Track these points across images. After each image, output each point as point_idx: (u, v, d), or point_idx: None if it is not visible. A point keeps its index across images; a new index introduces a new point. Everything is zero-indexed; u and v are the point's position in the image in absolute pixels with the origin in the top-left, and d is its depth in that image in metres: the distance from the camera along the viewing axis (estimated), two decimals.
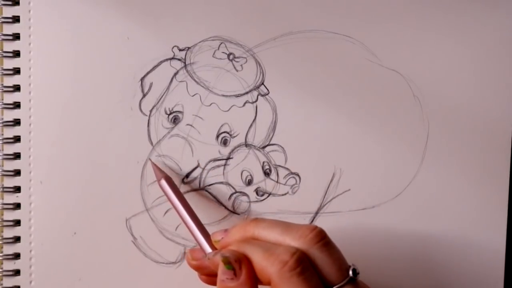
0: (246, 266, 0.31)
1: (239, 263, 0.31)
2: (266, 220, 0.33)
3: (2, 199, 0.39)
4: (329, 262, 0.31)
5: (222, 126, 0.40)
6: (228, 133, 0.40)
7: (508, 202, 0.41)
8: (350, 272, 0.31)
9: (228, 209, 0.40)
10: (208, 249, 0.35)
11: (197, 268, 0.34)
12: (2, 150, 0.39)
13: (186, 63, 0.40)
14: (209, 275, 0.34)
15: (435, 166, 0.41)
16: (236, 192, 0.40)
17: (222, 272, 0.31)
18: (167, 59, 0.39)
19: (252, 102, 0.40)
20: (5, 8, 0.39)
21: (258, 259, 0.31)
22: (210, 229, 0.39)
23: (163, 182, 0.37)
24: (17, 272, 0.39)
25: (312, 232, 0.31)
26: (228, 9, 0.40)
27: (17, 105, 0.39)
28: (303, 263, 0.30)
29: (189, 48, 0.40)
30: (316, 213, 0.40)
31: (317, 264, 0.31)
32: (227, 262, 0.31)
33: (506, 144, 0.41)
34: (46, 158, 0.39)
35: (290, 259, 0.30)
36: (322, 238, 0.31)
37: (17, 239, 0.39)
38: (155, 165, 0.39)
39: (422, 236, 0.41)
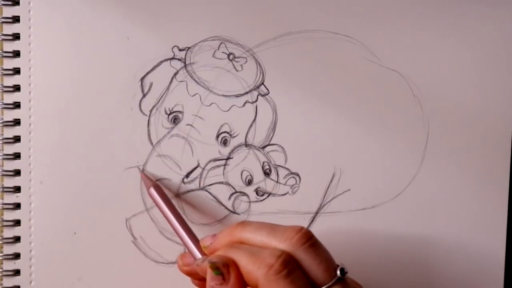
0: (234, 270, 0.31)
1: (227, 267, 0.31)
2: (252, 223, 0.33)
3: (2, 199, 0.39)
4: (316, 263, 0.31)
5: (222, 126, 0.40)
6: (228, 133, 0.40)
7: (508, 202, 0.41)
8: (338, 272, 0.31)
9: (228, 209, 0.40)
10: (198, 255, 0.35)
11: (189, 274, 0.35)
12: (2, 150, 0.39)
13: (186, 63, 0.40)
14: (202, 280, 0.33)
15: (435, 166, 0.41)
16: (236, 192, 0.40)
17: (211, 278, 0.31)
18: (167, 59, 0.39)
19: (252, 102, 0.40)
20: (5, 8, 0.38)
21: (245, 263, 0.31)
22: (210, 230, 0.39)
23: (152, 191, 0.38)
24: (17, 272, 0.39)
25: (298, 233, 0.31)
26: (228, 9, 0.40)
27: (17, 105, 0.39)
28: (289, 265, 0.30)
29: (189, 48, 0.40)
30: (316, 213, 0.40)
31: (304, 266, 0.30)
32: (215, 267, 0.31)
33: (506, 144, 0.41)
34: (46, 158, 0.39)
35: (275, 262, 0.30)
36: (308, 239, 0.31)
37: (17, 239, 0.39)
38: (143, 174, 0.39)
39: (422, 236, 0.41)
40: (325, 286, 0.30)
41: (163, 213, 0.37)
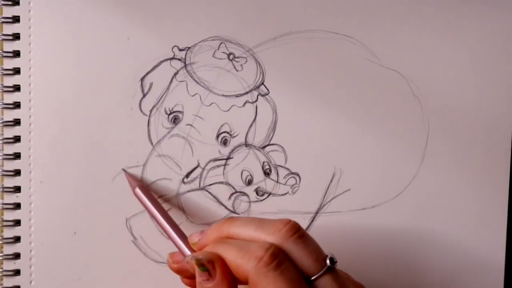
0: (220, 265, 0.31)
1: (212, 264, 0.31)
2: (240, 219, 0.33)
3: (2, 199, 0.39)
4: (305, 254, 0.31)
5: (222, 126, 0.40)
6: (228, 133, 0.40)
7: (508, 202, 0.41)
8: (328, 262, 0.31)
9: (228, 209, 0.40)
10: (187, 251, 0.35)
11: (179, 271, 0.35)
12: (2, 150, 0.39)
13: (186, 63, 0.40)
14: (192, 278, 0.33)
15: (435, 166, 0.41)
16: (236, 192, 0.40)
17: (198, 275, 0.31)
18: (167, 59, 0.39)
19: (252, 102, 0.40)
20: (5, 8, 0.38)
21: (233, 257, 0.31)
22: None
23: (138, 190, 0.38)
24: (17, 272, 0.39)
25: (285, 226, 0.31)
26: (228, 9, 0.40)
27: (17, 105, 0.39)
28: (278, 257, 0.30)
29: (189, 48, 0.40)
30: (316, 213, 0.40)
31: (294, 257, 0.31)
32: (200, 264, 0.31)
33: (506, 144, 0.41)
34: (46, 158, 0.39)
35: (264, 255, 0.30)
36: (296, 231, 0.31)
37: (17, 239, 0.39)
38: (128, 174, 0.39)
39: (422, 236, 0.41)
40: (315, 276, 0.30)
41: (150, 213, 0.37)
